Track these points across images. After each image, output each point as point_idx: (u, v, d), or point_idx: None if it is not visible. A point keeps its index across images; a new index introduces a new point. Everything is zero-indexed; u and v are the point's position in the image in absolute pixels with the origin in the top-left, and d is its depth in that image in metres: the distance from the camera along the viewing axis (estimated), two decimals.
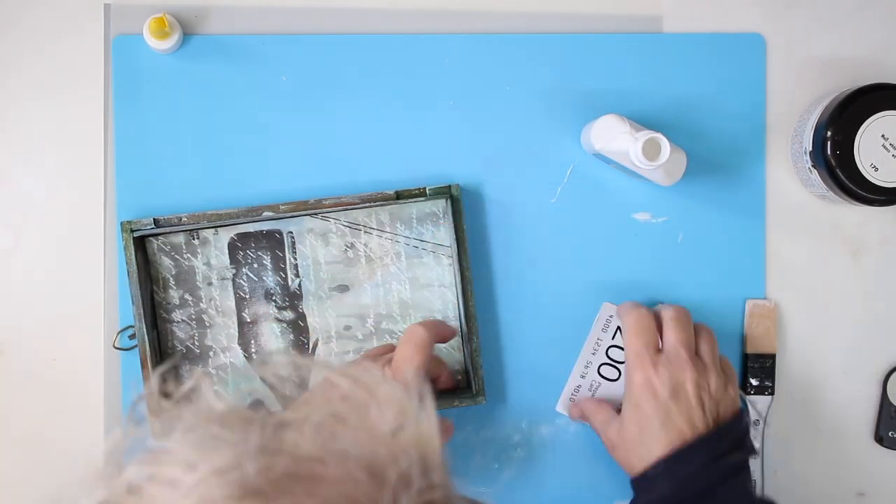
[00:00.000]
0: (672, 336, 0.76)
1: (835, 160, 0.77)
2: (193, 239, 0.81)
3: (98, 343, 0.81)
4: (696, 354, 0.76)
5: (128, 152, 0.81)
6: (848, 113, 0.76)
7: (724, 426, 0.74)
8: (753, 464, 0.83)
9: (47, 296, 0.82)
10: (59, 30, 0.82)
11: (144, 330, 0.78)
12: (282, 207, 0.79)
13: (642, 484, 0.73)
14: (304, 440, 0.43)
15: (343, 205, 0.79)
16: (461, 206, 0.80)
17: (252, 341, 0.82)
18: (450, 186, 0.79)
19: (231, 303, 0.82)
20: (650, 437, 0.73)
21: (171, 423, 0.44)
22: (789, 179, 0.84)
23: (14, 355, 0.82)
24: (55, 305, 0.82)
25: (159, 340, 0.81)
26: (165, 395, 0.49)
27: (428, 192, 0.79)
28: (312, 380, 0.75)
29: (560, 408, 0.82)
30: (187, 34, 0.81)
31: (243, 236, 0.81)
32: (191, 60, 0.82)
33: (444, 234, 0.81)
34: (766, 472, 0.83)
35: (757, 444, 0.83)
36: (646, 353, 0.75)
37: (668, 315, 0.77)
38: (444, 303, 0.82)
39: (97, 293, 0.82)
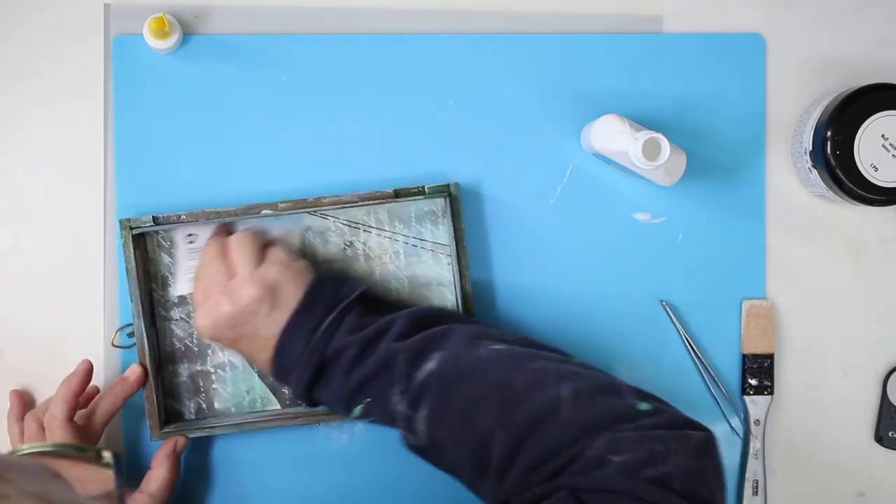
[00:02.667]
0: (235, 257, 0.76)
1: (835, 160, 0.77)
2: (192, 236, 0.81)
3: (98, 342, 0.81)
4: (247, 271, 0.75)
5: (128, 152, 0.82)
6: (848, 113, 0.76)
7: (296, 303, 0.73)
8: (754, 464, 0.83)
9: (47, 295, 0.82)
10: (60, 30, 0.82)
11: (143, 328, 0.78)
12: (280, 206, 0.79)
13: (280, 380, 0.75)
14: None
15: (342, 203, 0.79)
16: (460, 204, 0.80)
17: None
18: (449, 185, 0.79)
19: None
20: (262, 352, 0.74)
21: None
22: (789, 179, 0.84)
23: (14, 355, 0.82)
24: (55, 305, 0.82)
25: (158, 338, 0.81)
26: None
27: (427, 190, 0.79)
28: None
29: None
30: (187, 34, 0.82)
31: None
32: (191, 60, 0.82)
33: (443, 232, 0.81)
34: (767, 472, 0.83)
35: (757, 444, 0.83)
36: (216, 287, 0.76)
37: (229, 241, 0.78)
38: (443, 301, 0.82)
39: (97, 292, 0.82)
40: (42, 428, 0.76)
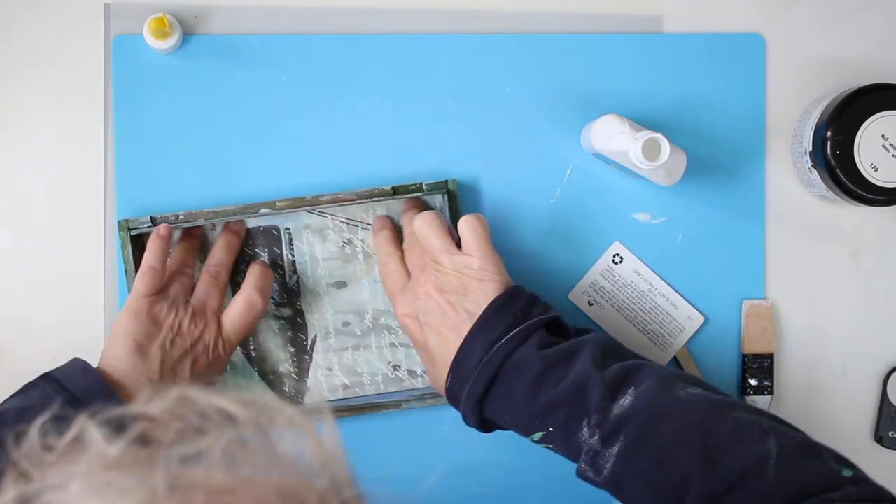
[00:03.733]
0: (410, 258, 0.77)
1: (835, 160, 0.76)
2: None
3: (98, 342, 0.81)
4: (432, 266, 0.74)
5: (128, 152, 0.82)
6: (848, 113, 0.76)
7: (486, 310, 0.71)
8: None
9: (47, 296, 0.82)
10: (60, 30, 0.82)
11: None
12: (279, 204, 0.79)
13: (451, 399, 0.73)
14: (213, 471, 0.41)
15: (340, 201, 0.79)
16: (458, 200, 0.80)
17: (250, 338, 0.82)
18: (447, 181, 0.79)
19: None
20: (424, 357, 0.75)
21: (63, 477, 0.40)
22: (789, 179, 0.84)
23: (14, 355, 0.82)
24: (55, 305, 0.82)
25: None
26: (48, 448, 0.44)
27: (425, 187, 0.79)
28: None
29: None
30: (187, 34, 0.82)
31: None
32: (191, 60, 0.82)
33: None
34: None
35: None
36: (397, 290, 0.77)
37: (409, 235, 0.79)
38: None
39: (97, 292, 0.82)
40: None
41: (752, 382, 0.83)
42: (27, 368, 0.82)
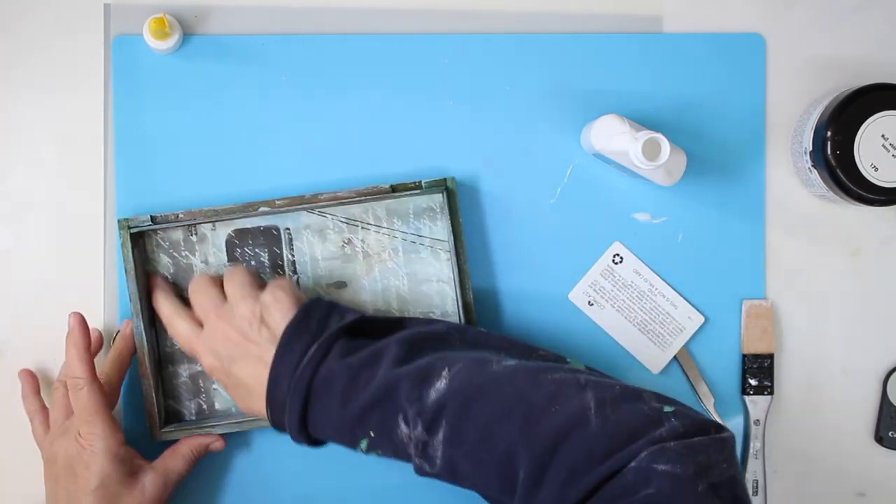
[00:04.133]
0: (196, 300, 0.76)
1: (835, 160, 0.77)
2: (191, 235, 0.81)
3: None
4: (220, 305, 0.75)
5: (127, 152, 0.82)
6: (848, 113, 0.76)
7: (282, 333, 0.71)
8: (754, 464, 0.83)
9: (47, 296, 0.82)
10: (59, 30, 0.82)
11: (142, 327, 0.78)
12: (277, 203, 0.79)
13: (277, 426, 0.72)
14: None
15: (338, 199, 0.79)
16: (457, 199, 0.80)
17: None
18: (445, 179, 0.79)
19: None
20: (241, 395, 0.73)
21: None
22: (789, 179, 0.84)
23: (14, 355, 0.82)
24: (55, 305, 0.82)
25: (157, 338, 0.81)
26: None
27: (424, 185, 0.79)
28: None
29: None
30: (187, 34, 0.82)
31: (241, 233, 0.81)
32: (190, 60, 0.82)
33: (441, 229, 0.81)
34: (767, 472, 0.83)
35: (757, 444, 0.83)
36: (191, 336, 0.75)
37: (191, 282, 0.78)
38: (443, 298, 0.82)
39: (97, 292, 0.82)
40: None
41: (752, 382, 0.83)
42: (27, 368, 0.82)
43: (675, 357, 0.83)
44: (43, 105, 0.82)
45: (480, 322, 0.81)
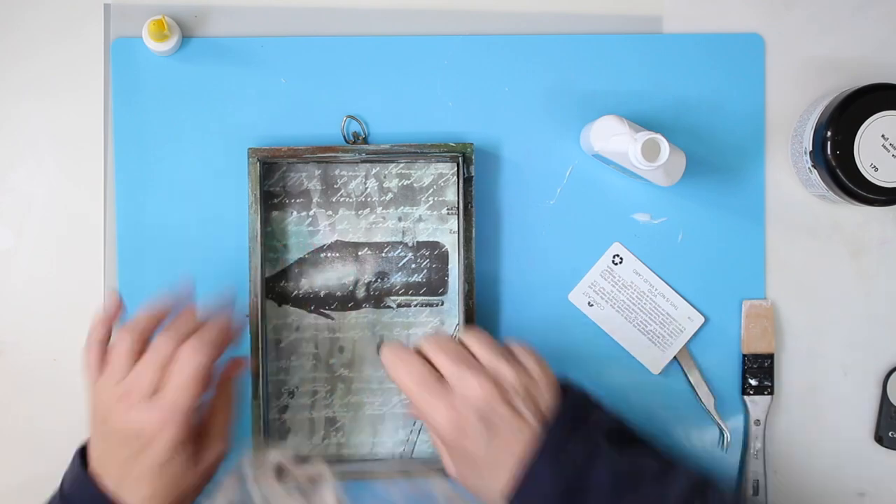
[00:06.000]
0: (441, 358, 0.66)
1: (835, 160, 0.76)
2: None
3: None
4: (477, 363, 0.67)
5: (127, 153, 0.82)
6: (848, 113, 0.76)
7: (554, 418, 0.65)
8: (755, 464, 0.83)
9: (47, 296, 0.82)
10: (59, 31, 0.82)
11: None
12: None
13: None
14: None
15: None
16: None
17: None
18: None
19: None
20: (487, 472, 0.65)
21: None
22: (789, 179, 0.84)
23: (14, 355, 0.82)
24: (55, 305, 0.82)
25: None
26: (279, 470, 0.43)
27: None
28: None
29: None
30: (186, 36, 0.82)
31: None
32: (190, 62, 0.82)
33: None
34: (767, 472, 0.83)
35: (757, 444, 0.83)
36: (425, 390, 0.65)
37: (423, 343, 0.68)
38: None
39: (97, 292, 0.82)
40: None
41: (752, 382, 0.83)
42: (27, 368, 0.82)
43: (675, 357, 0.83)
44: (43, 106, 0.82)
45: (480, 324, 0.81)
